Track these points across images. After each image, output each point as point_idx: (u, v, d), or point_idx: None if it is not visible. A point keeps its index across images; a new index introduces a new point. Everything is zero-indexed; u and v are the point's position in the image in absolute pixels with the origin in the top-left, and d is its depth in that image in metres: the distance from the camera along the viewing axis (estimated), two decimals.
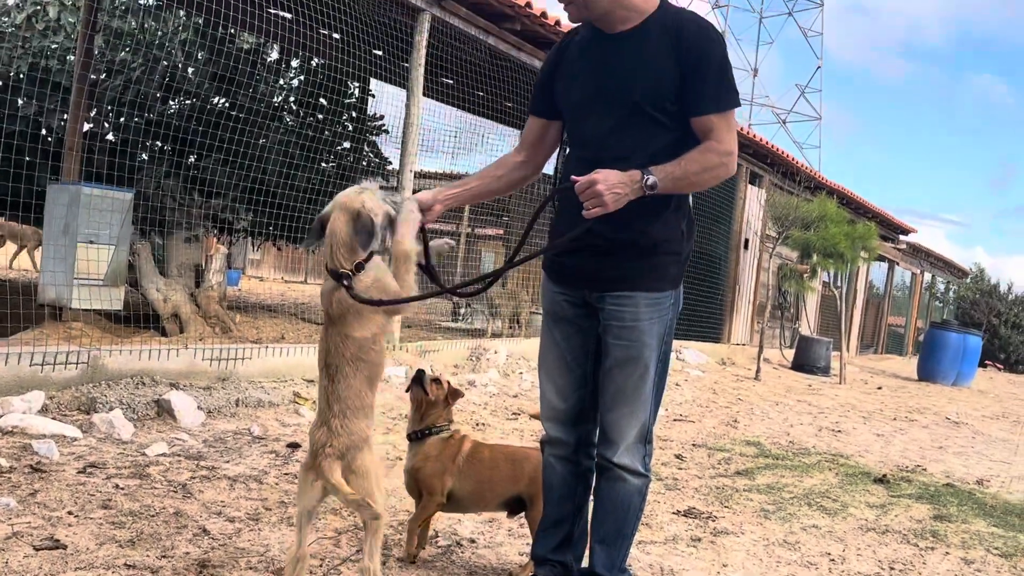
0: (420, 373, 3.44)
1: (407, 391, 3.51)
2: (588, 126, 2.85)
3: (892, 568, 4.15)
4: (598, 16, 2.78)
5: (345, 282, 2.71)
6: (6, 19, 10.06)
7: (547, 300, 3.06)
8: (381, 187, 2.89)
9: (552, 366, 3.06)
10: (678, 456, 6.27)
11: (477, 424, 6.49)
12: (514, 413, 7.10)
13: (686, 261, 2.91)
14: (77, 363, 5.38)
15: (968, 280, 36.65)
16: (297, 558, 2.78)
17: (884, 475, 6.24)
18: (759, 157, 15.75)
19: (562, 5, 2.82)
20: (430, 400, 3.42)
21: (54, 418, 4.82)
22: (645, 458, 2.91)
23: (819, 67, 70.41)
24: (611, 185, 2.58)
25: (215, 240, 14.08)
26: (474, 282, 3.29)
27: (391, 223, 2.83)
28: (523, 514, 3.50)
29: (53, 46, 9.88)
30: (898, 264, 27.08)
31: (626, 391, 2.84)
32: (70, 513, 3.51)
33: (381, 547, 2.80)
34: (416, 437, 3.41)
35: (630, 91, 2.73)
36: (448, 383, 3.49)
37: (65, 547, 3.15)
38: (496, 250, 19.75)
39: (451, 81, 10.69)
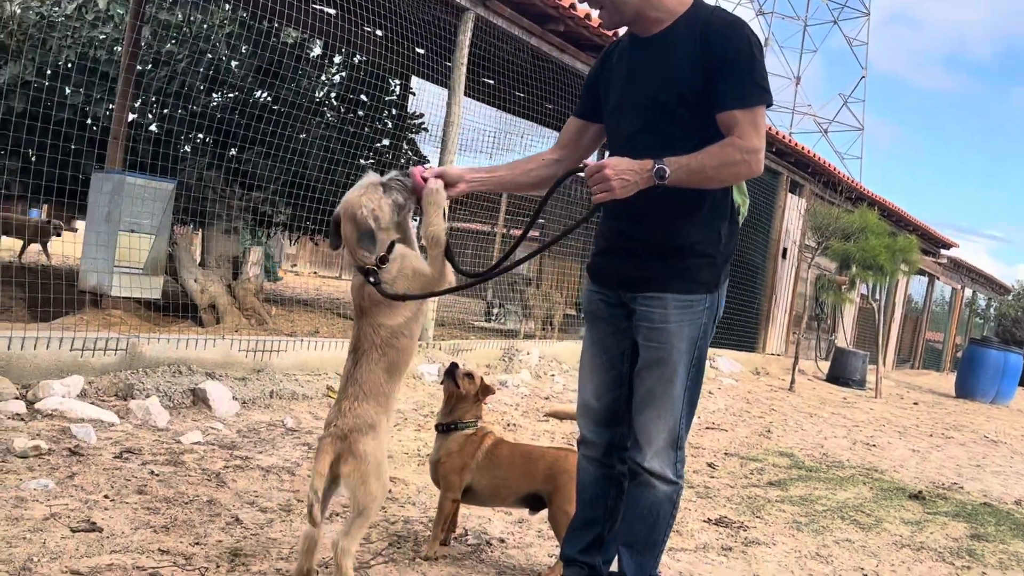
0: (453, 366, 3.50)
1: (441, 383, 3.54)
2: (621, 128, 2.87)
3: None
4: (630, 19, 2.78)
5: (371, 278, 2.79)
6: (56, 9, 10.22)
7: (586, 300, 3.08)
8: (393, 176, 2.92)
9: (589, 365, 3.08)
10: (710, 464, 6.22)
11: (508, 425, 6.48)
12: (545, 415, 7.08)
13: (724, 264, 2.86)
14: (116, 349, 5.44)
15: (1010, 297, 36.06)
16: (307, 537, 2.81)
17: (920, 491, 6.13)
18: (800, 166, 15.59)
19: (595, 12, 2.82)
20: (460, 394, 3.47)
21: (92, 403, 4.88)
22: (676, 464, 2.86)
23: (863, 77, 69.29)
24: (620, 171, 2.56)
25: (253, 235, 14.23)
26: (488, 273, 3.21)
27: (400, 209, 2.88)
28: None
29: (101, 36, 10.03)
30: (938, 279, 26.70)
31: (655, 393, 2.82)
32: (106, 497, 3.54)
33: (364, 531, 2.85)
34: (443, 430, 3.47)
35: (658, 92, 2.72)
36: (481, 379, 3.53)
37: (101, 530, 3.18)
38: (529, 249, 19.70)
39: (492, 81, 10.69)
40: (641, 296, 2.82)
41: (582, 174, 2.73)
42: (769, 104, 2.65)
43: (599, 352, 3.03)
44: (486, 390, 3.53)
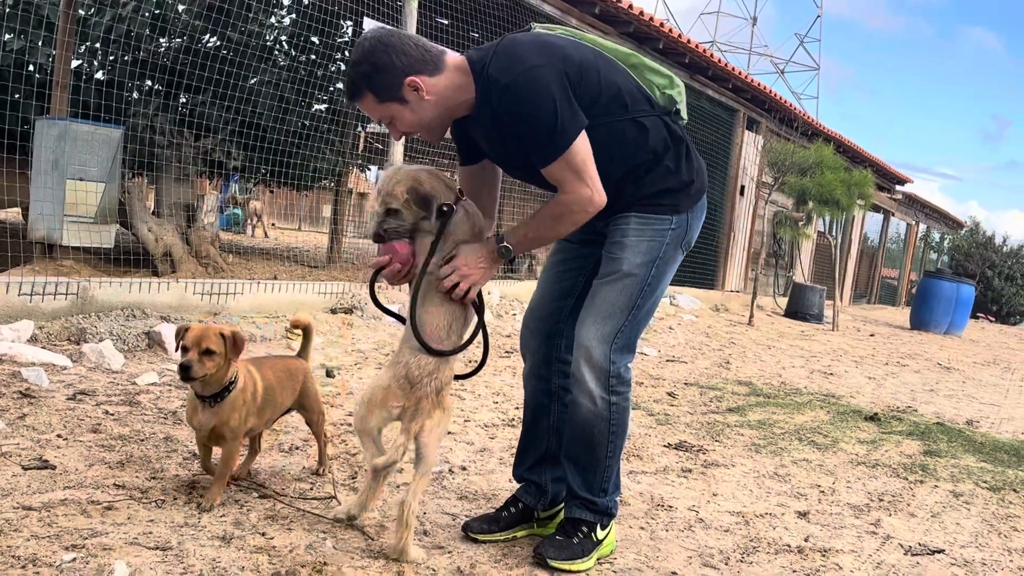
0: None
1: (185, 376, 2.88)
2: (506, 168, 2.96)
3: (881, 500, 4.17)
4: (444, 123, 2.78)
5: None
6: None
7: None
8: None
9: (544, 276, 3.16)
10: (670, 394, 6.29)
11: (469, 361, 6.46)
12: (506, 351, 7.09)
13: (686, 188, 2.86)
14: (67, 294, 5.34)
15: (963, 231, 36.67)
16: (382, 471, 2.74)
17: (875, 414, 6.26)
18: (756, 103, 15.60)
19: (417, 136, 2.85)
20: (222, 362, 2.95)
21: (44, 347, 4.79)
22: (610, 380, 2.82)
23: (819, 16, 69.27)
24: (473, 265, 2.73)
25: (207, 183, 13.97)
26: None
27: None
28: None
29: None
30: (893, 214, 27.03)
31: (600, 296, 2.84)
32: (59, 436, 3.49)
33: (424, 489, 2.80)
34: (219, 399, 2.98)
35: (507, 154, 2.80)
36: (232, 333, 2.97)
37: (54, 467, 3.13)
38: None
39: (446, 22, 10.53)
40: (612, 219, 2.86)
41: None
42: (566, 145, 2.60)
43: (557, 263, 3.12)
44: (238, 343, 2.95)
